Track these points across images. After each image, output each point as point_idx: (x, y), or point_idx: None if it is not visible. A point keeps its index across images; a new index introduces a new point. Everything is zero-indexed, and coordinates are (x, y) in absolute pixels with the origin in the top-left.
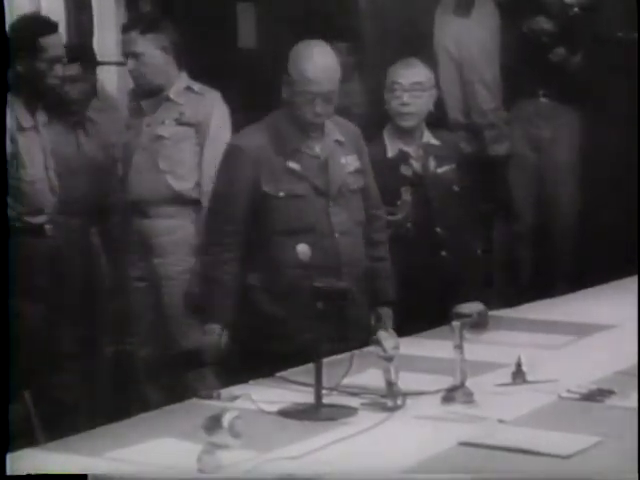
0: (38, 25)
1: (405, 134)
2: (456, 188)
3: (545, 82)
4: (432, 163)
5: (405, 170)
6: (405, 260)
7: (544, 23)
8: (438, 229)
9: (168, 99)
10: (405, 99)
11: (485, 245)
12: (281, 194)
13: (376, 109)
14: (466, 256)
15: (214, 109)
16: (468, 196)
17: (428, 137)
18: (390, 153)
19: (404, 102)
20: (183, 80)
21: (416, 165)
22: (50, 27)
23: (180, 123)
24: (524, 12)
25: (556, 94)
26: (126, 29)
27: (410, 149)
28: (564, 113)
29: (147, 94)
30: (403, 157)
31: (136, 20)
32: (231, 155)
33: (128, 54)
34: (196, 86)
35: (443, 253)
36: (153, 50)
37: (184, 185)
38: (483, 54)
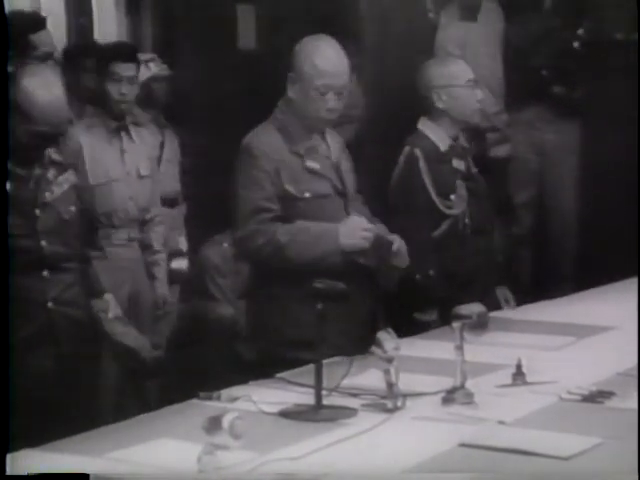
0: (27, 22)
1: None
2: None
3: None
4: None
5: (458, 164)
6: (460, 258)
7: (543, 59)
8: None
9: None
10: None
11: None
12: (307, 195)
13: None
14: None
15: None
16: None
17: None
18: (442, 147)
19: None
20: None
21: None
22: (39, 23)
23: None
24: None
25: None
26: None
27: (458, 144)
28: (566, 117)
29: None
30: (455, 151)
31: None
32: (246, 155)
33: None
34: None
35: (499, 256)
36: None
37: None
38: (488, 57)
